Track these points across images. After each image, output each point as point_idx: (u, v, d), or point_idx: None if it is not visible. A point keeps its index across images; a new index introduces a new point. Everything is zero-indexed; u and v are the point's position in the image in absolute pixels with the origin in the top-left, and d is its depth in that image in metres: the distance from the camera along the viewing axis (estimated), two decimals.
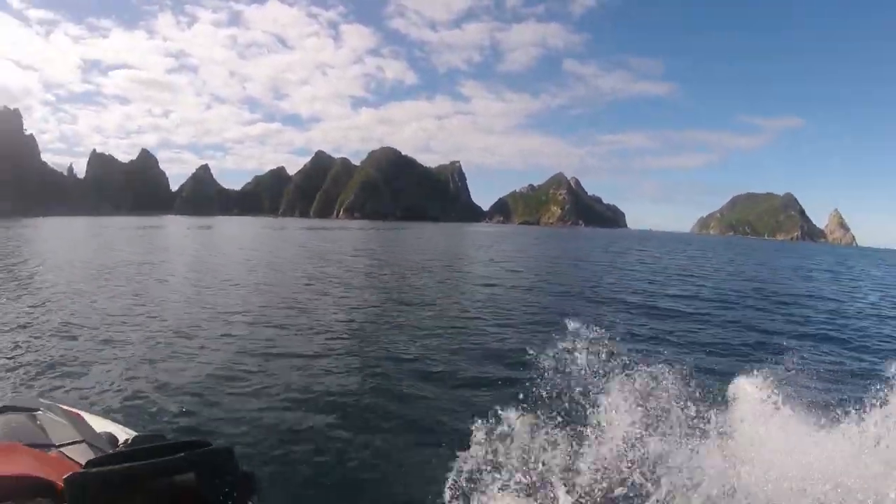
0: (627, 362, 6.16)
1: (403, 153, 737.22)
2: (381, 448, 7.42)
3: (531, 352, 7.57)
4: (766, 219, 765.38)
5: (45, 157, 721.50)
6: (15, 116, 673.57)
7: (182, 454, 1.01)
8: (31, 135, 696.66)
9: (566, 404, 5.92)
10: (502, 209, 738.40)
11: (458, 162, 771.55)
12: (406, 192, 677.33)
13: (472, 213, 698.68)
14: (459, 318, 16.32)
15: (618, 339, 9.93)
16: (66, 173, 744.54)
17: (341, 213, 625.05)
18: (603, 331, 7.07)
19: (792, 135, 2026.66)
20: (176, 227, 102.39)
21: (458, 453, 5.34)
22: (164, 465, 0.97)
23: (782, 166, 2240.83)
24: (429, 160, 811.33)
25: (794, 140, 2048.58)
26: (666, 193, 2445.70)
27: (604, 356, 6.35)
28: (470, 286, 24.51)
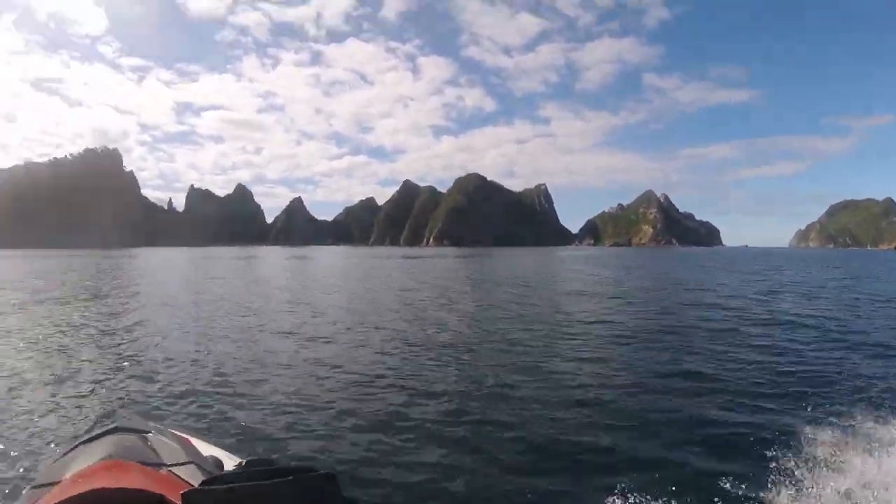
0: None
1: (489, 179, 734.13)
2: (491, 480, 6.70)
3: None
4: (866, 227, 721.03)
5: (145, 192, 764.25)
6: (115, 155, 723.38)
7: (291, 478, 1.05)
8: (131, 171, 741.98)
9: None
10: (592, 231, 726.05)
11: (544, 185, 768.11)
12: (494, 217, 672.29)
13: (562, 237, 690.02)
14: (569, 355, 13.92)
15: None
16: (166, 207, 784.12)
17: (431, 240, 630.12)
18: None
19: (884, 133, 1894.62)
20: (274, 257, 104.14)
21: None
22: (275, 487, 1.02)
23: (878, 168, 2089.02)
24: (512, 185, 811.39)
25: (887, 138, 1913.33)
26: (758, 205, 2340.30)
27: None
28: (578, 315, 20.59)
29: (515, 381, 11.04)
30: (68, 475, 1.69)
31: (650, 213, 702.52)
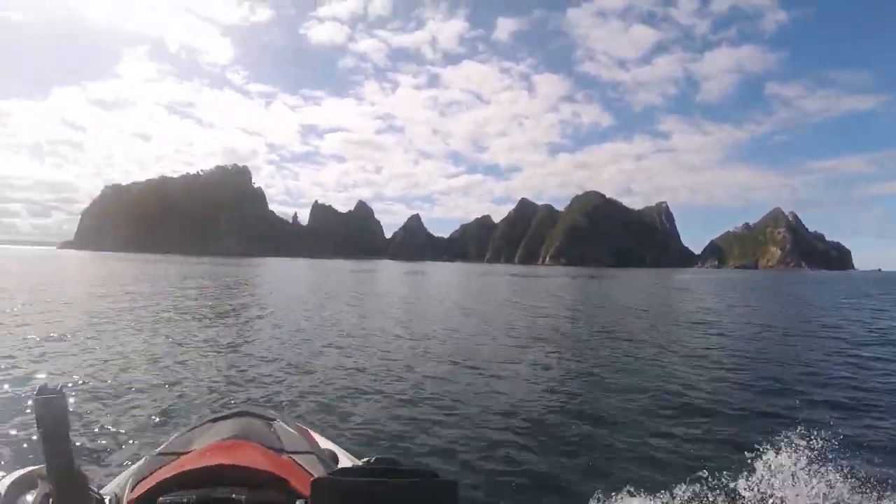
0: None
1: (608, 196, 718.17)
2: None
3: None
4: None
5: (272, 207, 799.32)
6: (244, 172, 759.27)
7: (416, 479, 1.08)
8: (260, 188, 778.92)
9: None
10: (715, 252, 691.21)
11: (665, 202, 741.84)
12: (613, 236, 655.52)
13: (684, 258, 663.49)
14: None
15: None
16: (290, 221, 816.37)
17: (547, 258, 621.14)
18: None
19: None
20: (391, 272, 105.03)
21: None
22: (398, 487, 1.05)
23: None
24: (631, 203, 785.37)
25: None
26: (893, 225, 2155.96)
27: None
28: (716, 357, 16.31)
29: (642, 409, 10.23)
30: (194, 448, 1.78)
31: (778, 234, 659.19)
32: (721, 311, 32.38)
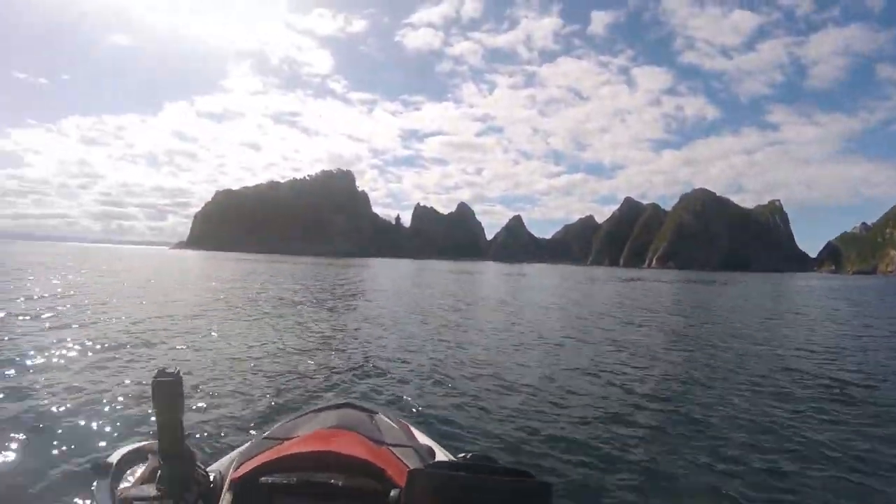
0: None
1: (717, 194, 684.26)
2: None
3: None
4: None
5: (375, 209, 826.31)
6: (349, 176, 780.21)
7: (510, 478, 1.08)
8: (364, 191, 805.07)
9: None
10: (833, 255, 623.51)
11: (779, 200, 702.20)
12: (722, 237, 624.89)
13: (798, 262, 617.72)
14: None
15: None
16: (394, 222, 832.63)
17: (654, 261, 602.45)
18: None
19: None
20: (492, 273, 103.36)
21: None
22: (493, 484, 1.05)
23: None
24: (741, 201, 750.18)
25: None
26: None
27: None
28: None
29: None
30: (298, 434, 1.87)
31: None
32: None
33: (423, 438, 2.54)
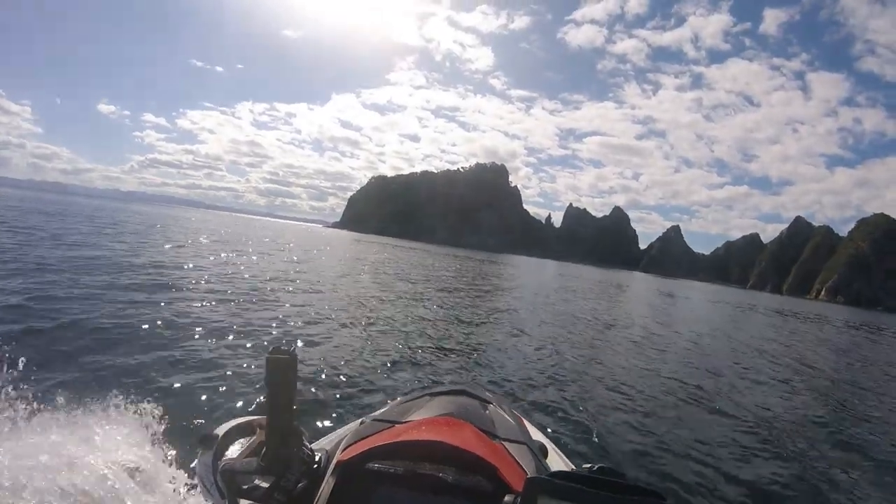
0: None
1: None
2: None
3: None
4: None
5: (526, 207, 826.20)
6: (502, 171, 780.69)
7: (640, 498, 1.00)
8: (516, 187, 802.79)
9: None
10: None
11: None
12: None
13: None
14: None
15: None
16: (544, 222, 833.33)
17: (822, 293, 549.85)
18: None
19: None
20: (644, 288, 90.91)
21: None
22: (616, 500, 0.98)
23: None
24: None
25: None
26: None
27: None
28: None
29: None
30: (409, 419, 1.83)
31: None
32: None
33: (536, 434, 2.46)
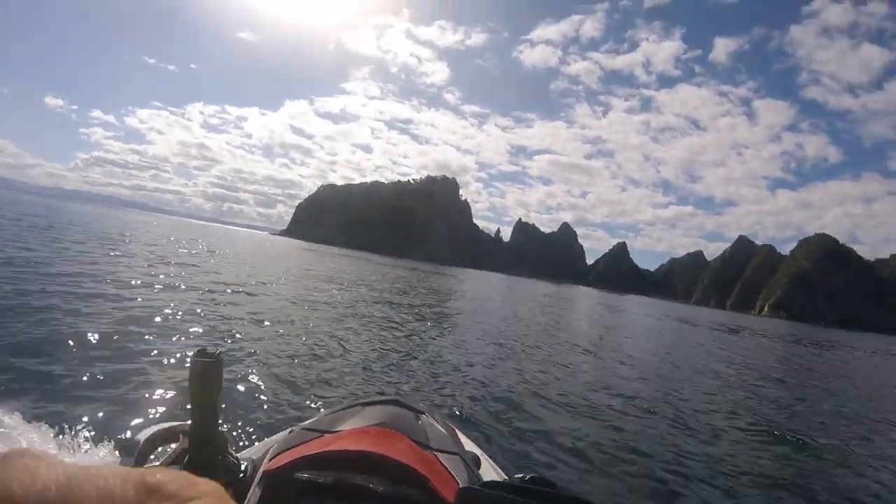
0: None
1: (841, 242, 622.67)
2: None
3: None
4: None
5: (476, 221, 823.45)
6: (453, 184, 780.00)
7: None
8: (466, 200, 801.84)
9: None
10: None
11: None
12: (842, 292, 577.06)
13: None
14: None
15: None
16: (493, 236, 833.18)
17: (766, 308, 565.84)
18: None
19: None
20: (593, 302, 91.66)
21: None
22: None
23: None
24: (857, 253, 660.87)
25: None
26: None
27: None
28: None
29: None
30: (340, 429, 1.77)
31: None
32: None
33: (469, 445, 2.41)
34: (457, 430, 2.22)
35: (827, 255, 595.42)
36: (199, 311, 13.68)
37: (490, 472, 2.42)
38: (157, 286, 16.59)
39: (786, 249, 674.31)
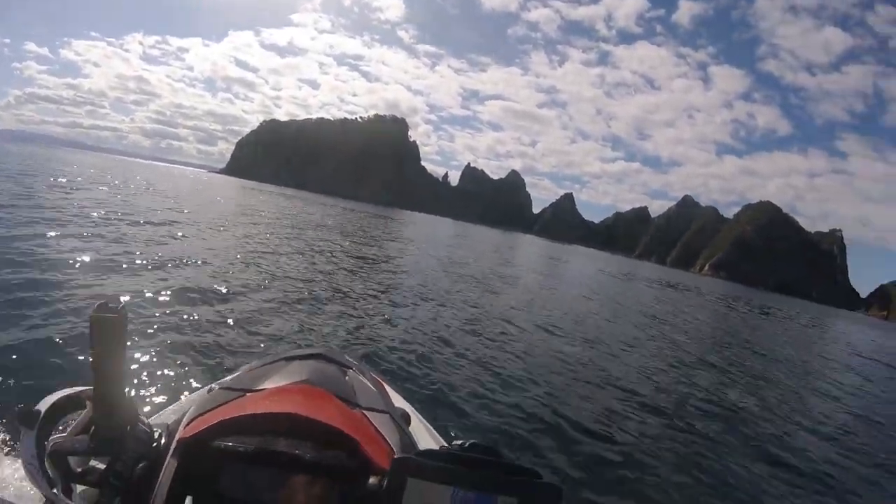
0: None
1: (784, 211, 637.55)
2: None
3: None
4: None
5: (424, 164, 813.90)
6: (402, 124, 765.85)
7: (513, 477, 0.93)
8: (415, 142, 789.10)
9: None
10: (883, 300, 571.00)
11: (840, 231, 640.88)
12: (783, 259, 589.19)
13: (847, 299, 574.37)
14: None
15: None
16: (441, 180, 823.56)
17: (706, 268, 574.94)
18: None
19: None
20: (538, 251, 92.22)
21: None
22: (493, 480, 0.92)
23: None
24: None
25: None
26: None
27: None
28: None
29: None
30: (262, 387, 1.62)
31: None
32: None
33: (398, 401, 2.34)
34: (385, 386, 2.15)
35: (771, 222, 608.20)
36: (104, 257, 11.79)
37: (421, 429, 2.36)
38: (62, 232, 13.90)
39: (728, 213, 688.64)
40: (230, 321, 8.74)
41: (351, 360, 2.02)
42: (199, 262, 13.79)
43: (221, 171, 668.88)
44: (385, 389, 2.01)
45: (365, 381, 1.86)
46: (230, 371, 2.06)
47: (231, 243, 19.26)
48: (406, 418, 1.83)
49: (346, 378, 1.79)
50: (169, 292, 9.84)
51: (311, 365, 1.80)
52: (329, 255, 21.67)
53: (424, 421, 2.42)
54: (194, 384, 5.74)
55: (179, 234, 18.56)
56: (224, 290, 11.02)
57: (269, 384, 1.63)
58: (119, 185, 42.86)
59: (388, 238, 40.30)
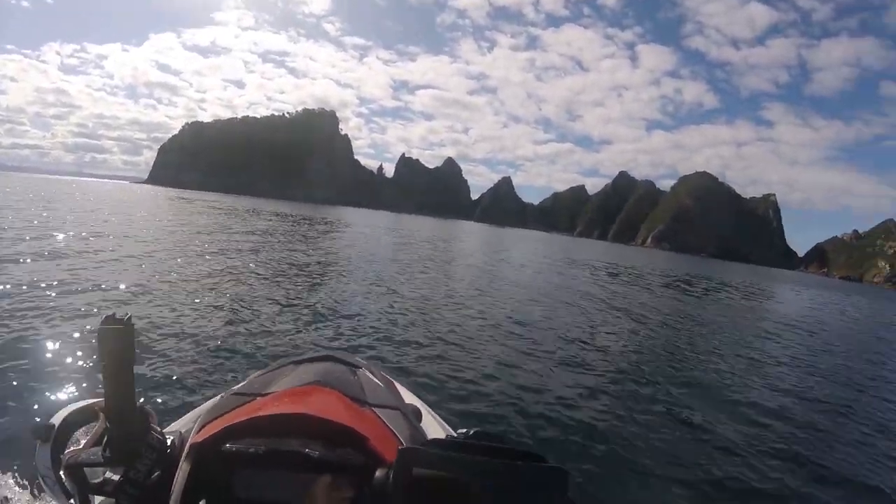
0: None
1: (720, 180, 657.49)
2: None
3: None
4: None
5: (357, 158, 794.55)
6: (331, 117, 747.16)
7: (519, 462, 0.92)
8: (346, 135, 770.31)
9: None
10: (820, 257, 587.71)
11: (774, 196, 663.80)
12: (720, 225, 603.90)
13: (786, 259, 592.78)
14: None
15: None
16: (375, 172, 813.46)
17: (649, 240, 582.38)
18: None
19: None
20: (480, 237, 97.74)
21: None
22: (501, 469, 0.90)
23: None
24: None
25: None
26: None
27: None
28: None
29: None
30: (272, 390, 1.65)
31: (890, 248, 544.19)
32: None
33: (409, 398, 2.35)
34: (395, 383, 2.15)
35: (708, 191, 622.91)
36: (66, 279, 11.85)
37: (432, 424, 2.38)
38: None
39: (662, 186, 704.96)
40: (230, 333, 9.09)
41: (360, 360, 2.03)
42: (178, 280, 13.73)
43: (145, 182, 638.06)
44: (395, 387, 2.02)
45: (374, 379, 1.86)
46: (242, 379, 2.05)
47: (197, 261, 18.34)
48: (417, 414, 1.84)
49: (356, 377, 1.80)
50: (173, 308, 10.36)
51: (320, 367, 1.82)
52: (254, 275, 18.26)
53: (436, 416, 2.41)
54: (207, 393, 5.75)
55: (150, 252, 18.50)
56: (215, 304, 11.43)
57: (279, 387, 1.65)
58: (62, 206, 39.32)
59: (319, 250, 33.48)
